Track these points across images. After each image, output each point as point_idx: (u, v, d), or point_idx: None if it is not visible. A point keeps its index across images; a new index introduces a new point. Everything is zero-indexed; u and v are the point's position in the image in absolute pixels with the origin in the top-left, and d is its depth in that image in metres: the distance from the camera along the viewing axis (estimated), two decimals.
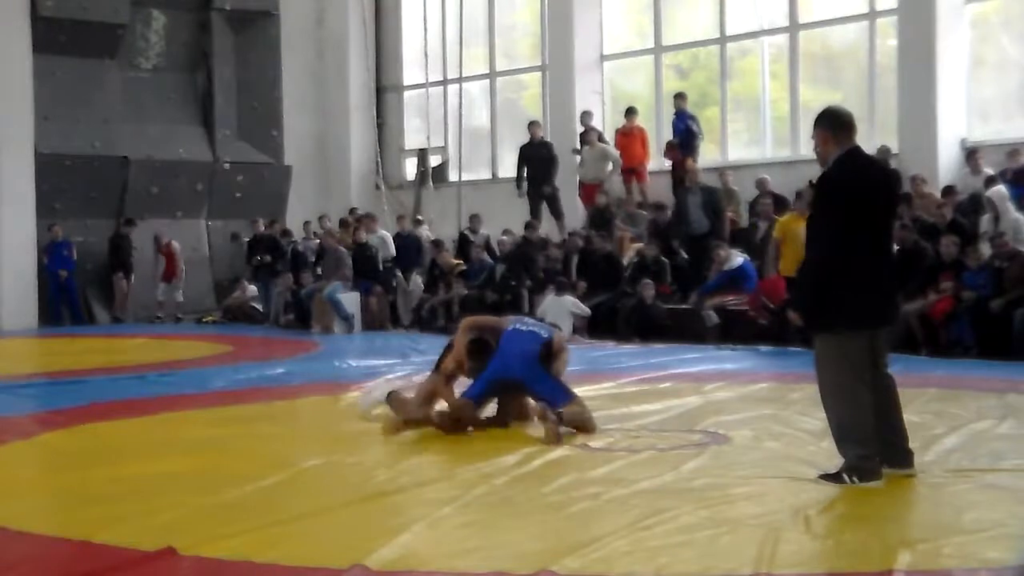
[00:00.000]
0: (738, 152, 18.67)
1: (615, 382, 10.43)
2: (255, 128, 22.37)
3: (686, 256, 16.06)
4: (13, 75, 19.70)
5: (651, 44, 19.70)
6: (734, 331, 14.25)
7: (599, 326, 15.34)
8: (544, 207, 18.63)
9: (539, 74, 21.48)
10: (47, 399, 10.31)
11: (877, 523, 5.29)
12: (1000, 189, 13.67)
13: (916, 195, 14.42)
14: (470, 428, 7.89)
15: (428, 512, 5.53)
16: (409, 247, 19.03)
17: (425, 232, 19.86)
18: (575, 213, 18.76)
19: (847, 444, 5.99)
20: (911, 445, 6.19)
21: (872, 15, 17.14)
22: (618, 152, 18.35)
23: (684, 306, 15.09)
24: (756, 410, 8.64)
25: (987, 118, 16.36)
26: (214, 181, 21.85)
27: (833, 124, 6.13)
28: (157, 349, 15.85)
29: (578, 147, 18.84)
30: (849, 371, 5.94)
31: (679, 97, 18.06)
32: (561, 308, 15.12)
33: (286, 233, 20.89)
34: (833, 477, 5.97)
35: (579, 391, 8.11)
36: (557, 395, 7.79)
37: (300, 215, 21.60)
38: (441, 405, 8.23)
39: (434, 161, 22.61)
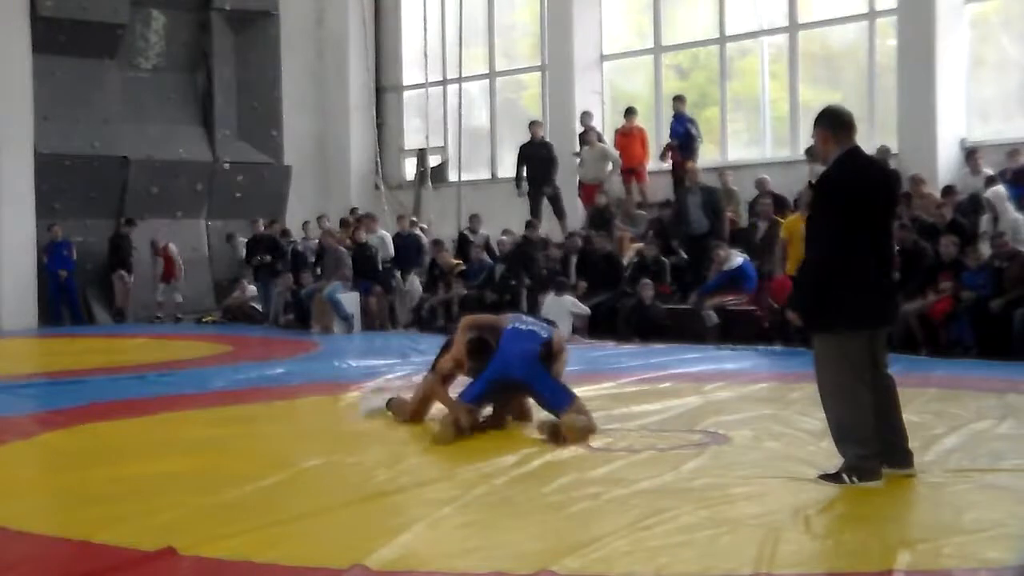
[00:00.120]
0: (738, 152, 18.68)
1: (615, 382, 10.43)
2: (255, 128, 22.38)
3: (686, 256, 16.06)
4: (13, 75, 19.70)
5: (651, 44, 19.71)
6: (734, 331, 14.25)
7: (599, 326, 15.34)
8: (545, 207, 18.62)
9: (539, 74, 21.48)
10: (47, 399, 10.31)
11: (877, 523, 5.29)
12: (999, 189, 13.67)
13: (916, 195, 14.42)
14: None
15: (428, 512, 5.53)
16: (409, 247, 19.03)
17: (418, 232, 19.83)
18: (575, 213, 18.77)
19: (847, 444, 5.99)
20: (911, 445, 6.19)
21: (872, 15, 17.14)
22: (618, 152, 18.36)
23: (684, 306, 15.10)
24: (756, 410, 8.64)
25: (987, 118, 16.37)
26: (214, 181, 21.85)
27: (833, 123, 6.13)
28: (157, 349, 15.85)
29: (577, 147, 18.84)
30: (849, 371, 5.94)
31: (677, 100, 18.05)
32: (561, 308, 15.12)
33: (286, 233, 20.90)
34: (833, 477, 5.97)
35: (579, 391, 8.09)
36: (558, 395, 7.77)
37: (300, 215, 21.59)
38: (438, 407, 8.24)
39: (434, 161, 22.62)
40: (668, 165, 18.09)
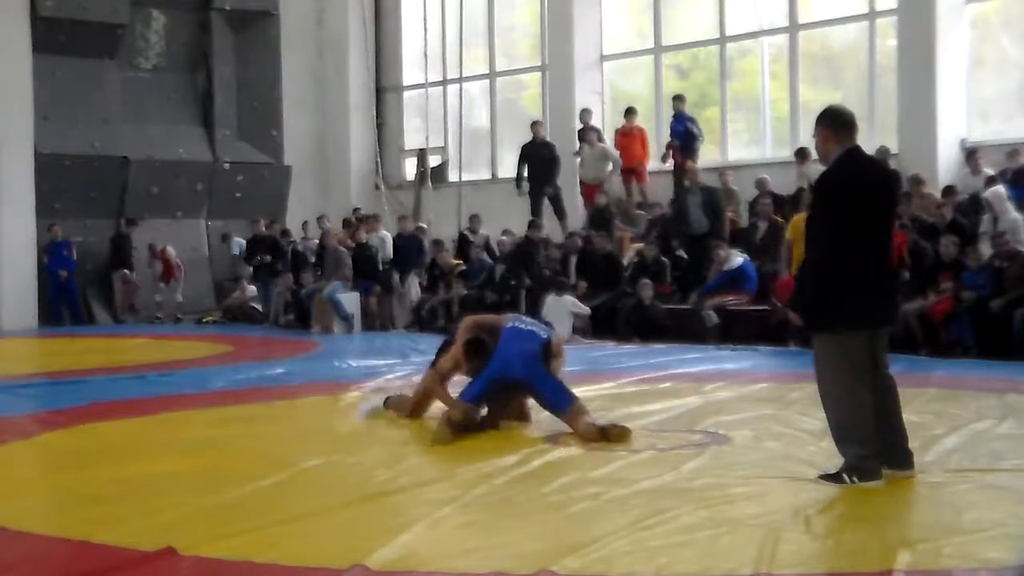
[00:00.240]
0: (738, 152, 18.67)
1: (615, 382, 10.43)
2: (255, 128, 22.38)
3: (686, 256, 16.06)
4: (13, 75, 19.70)
5: (651, 44, 19.70)
6: (734, 331, 14.25)
7: (599, 326, 15.34)
8: (545, 207, 18.62)
9: (539, 74, 21.48)
10: (47, 399, 10.30)
11: (877, 523, 5.29)
12: (997, 190, 13.67)
13: (916, 195, 14.41)
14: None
15: (428, 512, 5.52)
16: (410, 248, 19.02)
17: (420, 230, 19.83)
18: (575, 213, 18.76)
19: (847, 444, 5.99)
20: (911, 445, 6.19)
21: (872, 15, 17.14)
22: (618, 152, 18.35)
23: (684, 306, 15.09)
24: (756, 410, 8.64)
25: (987, 118, 16.36)
26: (214, 181, 21.85)
27: (834, 123, 6.12)
28: (157, 349, 15.85)
29: (576, 147, 18.83)
30: (849, 371, 5.94)
31: (677, 99, 18.05)
32: (561, 308, 15.12)
33: (286, 233, 20.90)
34: (833, 477, 5.97)
35: (579, 391, 8.09)
36: (559, 396, 7.76)
37: (300, 215, 21.59)
38: (438, 406, 8.24)
39: (434, 161, 22.61)
40: (669, 165, 18.09)
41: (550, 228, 18.35)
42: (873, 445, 5.94)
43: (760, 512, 5.41)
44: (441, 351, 8.52)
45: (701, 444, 7.27)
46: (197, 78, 22.27)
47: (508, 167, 20.44)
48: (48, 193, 20.20)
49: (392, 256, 18.77)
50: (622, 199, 18.51)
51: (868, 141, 13.83)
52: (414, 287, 18.33)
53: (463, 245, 18.89)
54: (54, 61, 20.30)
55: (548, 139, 18.86)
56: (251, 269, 20.61)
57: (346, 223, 20.05)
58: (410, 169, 23.31)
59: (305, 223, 20.69)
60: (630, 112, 18.59)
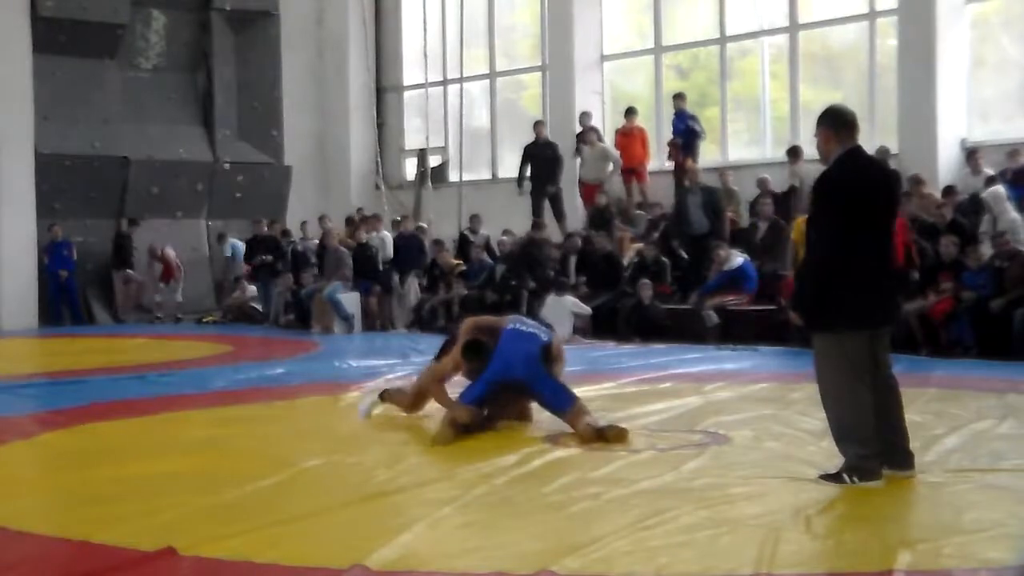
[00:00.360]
0: (738, 152, 18.67)
1: (615, 382, 10.42)
2: (255, 128, 22.38)
3: (686, 256, 16.06)
4: (13, 75, 19.70)
5: (651, 44, 19.70)
6: (734, 331, 14.25)
7: (599, 326, 15.33)
8: (546, 207, 18.62)
9: (539, 74, 21.48)
10: (47, 399, 10.30)
11: (877, 523, 5.29)
12: (997, 190, 13.67)
13: (916, 195, 14.41)
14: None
15: (428, 512, 5.52)
16: (411, 248, 19.01)
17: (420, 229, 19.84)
18: (575, 213, 18.76)
19: (847, 444, 5.99)
20: (911, 445, 6.19)
21: (872, 15, 17.14)
22: (618, 152, 18.35)
23: (684, 306, 15.09)
24: (756, 410, 8.63)
25: (987, 118, 16.36)
26: (214, 181, 21.85)
27: (836, 123, 6.12)
28: (157, 349, 15.85)
29: (576, 147, 18.83)
30: (849, 371, 5.94)
31: (678, 97, 18.06)
32: (562, 308, 15.12)
33: (286, 233, 20.90)
34: (833, 477, 5.96)
35: (579, 391, 8.08)
36: (559, 396, 7.75)
37: (300, 215, 21.57)
38: (435, 405, 8.23)
39: (434, 161, 22.61)
40: (670, 165, 18.09)
41: (550, 228, 18.35)
42: (873, 445, 5.94)
43: (760, 512, 5.40)
44: (443, 351, 8.51)
45: (701, 444, 7.27)
46: (197, 78, 22.27)
47: (508, 167, 20.45)
48: (48, 193, 20.19)
49: (392, 256, 18.78)
50: (622, 199, 18.51)
51: (868, 141, 13.77)
52: (414, 287, 18.32)
53: (463, 245, 18.88)
54: (54, 61, 20.30)
55: (550, 139, 18.87)
56: (244, 269, 20.59)
57: (349, 221, 20.05)
58: (410, 169, 23.32)
59: (304, 223, 20.68)
60: (630, 112, 18.60)
